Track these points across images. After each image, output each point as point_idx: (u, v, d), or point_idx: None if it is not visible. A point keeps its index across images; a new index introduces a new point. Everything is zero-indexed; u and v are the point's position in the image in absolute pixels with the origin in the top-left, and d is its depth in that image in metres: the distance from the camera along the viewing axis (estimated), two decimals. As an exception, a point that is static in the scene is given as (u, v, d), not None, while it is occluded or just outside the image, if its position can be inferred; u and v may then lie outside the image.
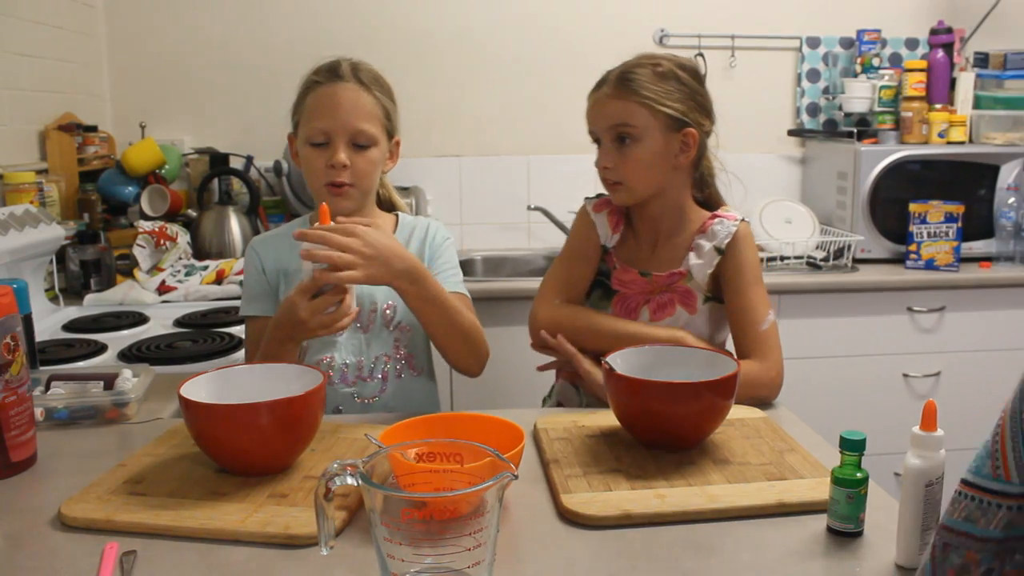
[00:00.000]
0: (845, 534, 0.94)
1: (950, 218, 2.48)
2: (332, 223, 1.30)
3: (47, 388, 1.34)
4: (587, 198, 1.58)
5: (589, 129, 1.48)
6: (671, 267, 1.48)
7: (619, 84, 1.41)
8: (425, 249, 1.51)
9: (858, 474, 0.93)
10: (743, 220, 1.48)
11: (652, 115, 1.40)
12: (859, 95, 2.73)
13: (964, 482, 0.64)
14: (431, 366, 1.55)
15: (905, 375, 2.49)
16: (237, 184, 2.66)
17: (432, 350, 1.54)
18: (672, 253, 1.49)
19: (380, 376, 1.46)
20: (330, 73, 1.41)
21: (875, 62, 2.82)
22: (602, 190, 1.49)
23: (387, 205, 1.59)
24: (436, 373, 1.56)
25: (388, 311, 1.46)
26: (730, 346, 1.48)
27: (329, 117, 1.39)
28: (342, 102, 1.39)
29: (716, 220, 1.47)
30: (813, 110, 2.99)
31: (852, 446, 0.94)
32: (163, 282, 2.21)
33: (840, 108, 2.88)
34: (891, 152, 2.57)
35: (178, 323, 1.95)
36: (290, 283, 1.44)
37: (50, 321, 1.95)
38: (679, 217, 1.50)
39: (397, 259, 1.29)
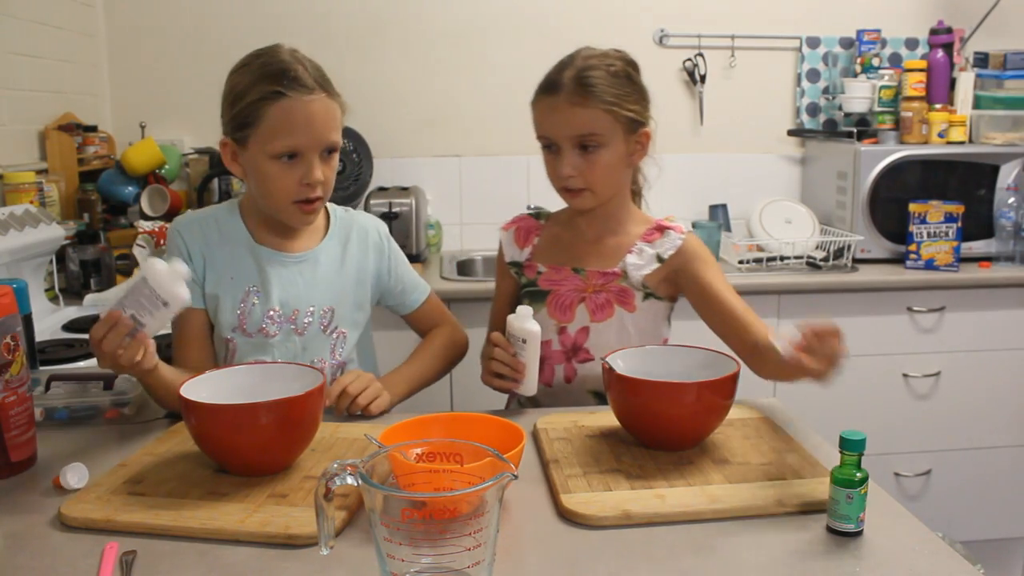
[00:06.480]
0: (845, 534, 0.94)
1: (950, 218, 2.48)
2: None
3: (47, 388, 1.34)
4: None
5: (541, 134, 1.44)
6: (606, 265, 1.48)
7: (579, 90, 1.37)
8: (370, 253, 1.49)
9: (858, 474, 0.94)
10: (689, 231, 1.49)
11: (615, 120, 1.39)
12: (859, 95, 2.73)
13: None
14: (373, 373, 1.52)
15: (905, 375, 2.49)
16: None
17: (376, 357, 1.57)
18: (611, 251, 1.49)
19: None
20: (295, 83, 1.28)
21: (875, 62, 2.82)
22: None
23: None
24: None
25: (325, 316, 1.43)
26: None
27: (303, 134, 1.29)
28: (316, 117, 1.30)
29: (664, 232, 1.48)
30: (813, 110, 2.98)
31: (852, 446, 0.94)
32: (163, 282, 2.20)
33: (840, 108, 2.88)
34: (891, 152, 2.57)
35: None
36: (214, 270, 1.40)
37: (50, 321, 1.95)
38: (622, 215, 1.51)
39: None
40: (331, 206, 1.51)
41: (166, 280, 1.13)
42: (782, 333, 1.05)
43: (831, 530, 0.95)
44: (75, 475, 1.07)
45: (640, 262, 1.47)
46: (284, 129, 1.29)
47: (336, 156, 1.38)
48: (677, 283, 1.48)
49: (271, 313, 1.40)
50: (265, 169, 1.32)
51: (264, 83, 1.29)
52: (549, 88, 1.41)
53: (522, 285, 1.54)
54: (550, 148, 1.43)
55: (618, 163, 1.42)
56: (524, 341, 1.33)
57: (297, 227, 1.43)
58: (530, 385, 1.37)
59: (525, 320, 1.34)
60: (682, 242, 1.47)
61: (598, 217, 1.50)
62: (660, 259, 1.46)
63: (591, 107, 1.37)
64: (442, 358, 1.55)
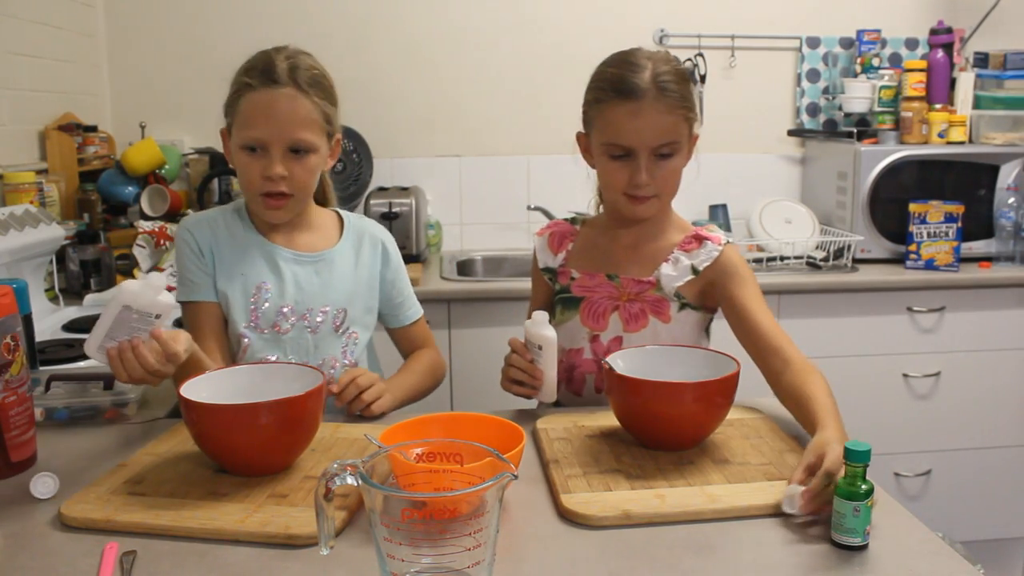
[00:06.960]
0: (851, 548, 0.92)
1: (950, 218, 2.48)
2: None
3: (47, 388, 1.34)
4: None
5: (616, 142, 1.35)
6: (641, 273, 1.44)
7: (661, 95, 1.32)
8: (379, 260, 1.51)
9: (863, 486, 0.91)
10: (728, 242, 1.43)
11: (688, 125, 1.37)
12: (859, 95, 2.73)
13: None
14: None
15: (905, 375, 2.49)
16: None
17: (379, 363, 1.60)
18: (647, 258, 1.45)
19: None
20: (265, 76, 1.32)
21: (875, 62, 2.82)
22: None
23: (319, 199, 1.52)
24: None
25: (338, 316, 1.45)
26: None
27: (265, 126, 1.31)
28: (279, 111, 1.31)
29: (702, 243, 1.43)
30: (813, 110, 2.98)
31: (857, 457, 0.92)
32: (163, 282, 2.20)
33: (840, 108, 2.88)
34: (891, 152, 2.57)
35: (178, 323, 1.94)
36: (224, 266, 1.41)
37: (50, 321, 1.95)
38: (662, 220, 1.46)
39: None
40: (344, 212, 1.53)
41: (148, 296, 1.14)
42: (788, 494, 0.98)
43: (836, 544, 0.92)
44: (42, 486, 1.05)
45: (674, 273, 1.42)
46: (249, 120, 1.33)
47: (310, 157, 1.36)
48: (713, 295, 1.43)
49: (284, 310, 1.42)
50: (237, 159, 1.37)
51: (242, 75, 1.35)
52: (627, 93, 1.32)
53: (556, 292, 1.52)
54: (621, 156, 1.36)
55: (683, 168, 1.40)
56: (540, 347, 1.31)
57: (267, 221, 1.43)
58: (548, 392, 1.34)
59: (541, 326, 1.31)
60: (718, 254, 1.41)
61: (642, 223, 1.45)
62: (695, 271, 1.41)
63: (673, 113, 1.33)
64: (431, 377, 1.55)
